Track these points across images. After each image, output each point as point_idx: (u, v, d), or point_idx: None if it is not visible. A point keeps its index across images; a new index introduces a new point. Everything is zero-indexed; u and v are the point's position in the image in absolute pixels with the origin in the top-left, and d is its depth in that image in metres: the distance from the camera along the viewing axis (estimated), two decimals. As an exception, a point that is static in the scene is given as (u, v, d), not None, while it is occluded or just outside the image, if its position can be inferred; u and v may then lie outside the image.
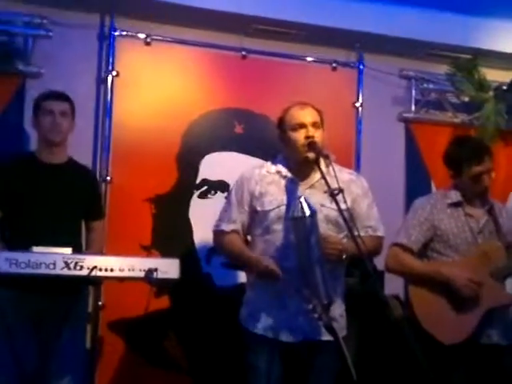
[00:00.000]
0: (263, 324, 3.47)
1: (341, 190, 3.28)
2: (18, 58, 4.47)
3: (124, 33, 4.84)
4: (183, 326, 4.78)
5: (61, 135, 3.98)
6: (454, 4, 5.21)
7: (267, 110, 4.98)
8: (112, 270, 3.39)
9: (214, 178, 4.96)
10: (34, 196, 3.89)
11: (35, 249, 3.35)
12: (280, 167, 3.57)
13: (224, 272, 4.75)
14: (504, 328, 3.91)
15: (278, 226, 3.47)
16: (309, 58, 5.33)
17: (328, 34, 5.17)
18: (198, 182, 4.94)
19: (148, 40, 4.88)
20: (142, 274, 3.42)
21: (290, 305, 3.42)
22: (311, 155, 3.43)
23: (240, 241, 3.60)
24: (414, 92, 5.64)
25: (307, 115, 3.51)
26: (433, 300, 3.82)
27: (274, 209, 3.49)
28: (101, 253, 4.00)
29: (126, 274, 3.41)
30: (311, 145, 3.43)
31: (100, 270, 3.36)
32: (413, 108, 5.64)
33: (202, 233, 4.81)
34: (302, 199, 3.21)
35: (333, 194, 3.26)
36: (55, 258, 3.31)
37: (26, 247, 3.37)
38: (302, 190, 3.48)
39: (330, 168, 3.42)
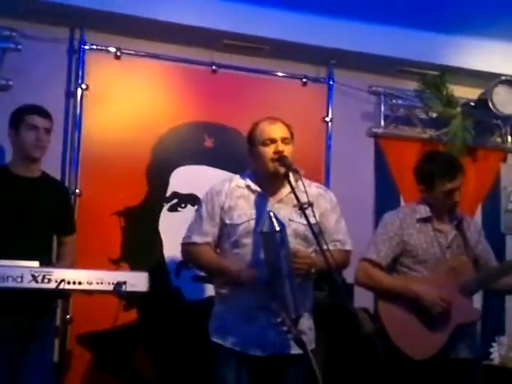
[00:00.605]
0: (232, 338, 3.46)
1: (310, 204, 3.29)
2: (-14, 70, 4.45)
3: (94, 46, 4.84)
4: (152, 339, 4.76)
5: (42, 151, 3.97)
6: (423, 21, 5.26)
7: (237, 124, 5.00)
8: (80, 283, 3.38)
9: (184, 191, 4.96)
10: (7, 208, 3.85)
11: (1, 262, 3.32)
12: (249, 181, 3.57)
13: (193, 286, 4.75)
14: (471, 343, 3.93)
15: (247, 240, 3.47)
16: (279, 73, 5.36)
17: (298, 49, 5.20)
18: (167, 195, 4.94)
19: (118, 54, 4.88)
20: (110, 287, 3.41)
21: (259, 319, 3.41)
22: (281, 170, 3.44)
23: (211, 252, 3.59)
24: (383, 108, 5.69)
25: (277, 130, 3.52)
26: (402, 315, 3.82)
27: (243, 223, 3.49)
28: (72, 267, 3.94)
29: (94, 287, 3.40)
30: (281, 159, 3.44)
31: (68, 283, 3.35)
32: (382, 123, 5.69)
33: (171, 246, 4.79)
34: (272, 214, 3.23)
35: (302, 208, 3.27)
36: (22, 271, 3.29)
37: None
38: (271, 204, 3.49)
39: (300, 182, 3.43)
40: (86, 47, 4.82)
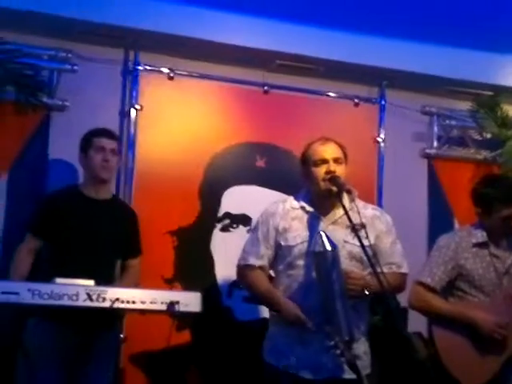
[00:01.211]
0: (285, 359, 3.43)
1: (363, 226, 3.27)
2: (43, 90, 4.50)
3: (148, 67, 4.90)
4: (204, 359, 4.76)
5: (110, 173, 4.06)
6: (476, 41, 5.21)
7: (289, 145, 5.01)
8: (134, 303, 3.40)
9: (236, 211, 4.97)
10: (79, 229, 3.93)
11: (58, 280, 3.38)
12: (303, 203, 3.55)
13: (244, 306, 4.74)
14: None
15: (302, 262, 3.45)
16: (331, 94, 5.35)
17: (350, 69, 5.19)
18: (220, 215, 4.95)
19: (171, 74, 4.93)
20: (164, 307, 3.43)
21: (313, 342, 3.37)
22: (333, 189, 3.42)
23: (266, 279, 3.57)
24: (436, 128, 5.64)
25: (329, 150, 3.51)
26: (457, 341, 3.77)
27: (297, 244, 3.47)
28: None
29: (148, 306, 3.43)
30: (333, 179, 3.42)
31: (122, 302, 3.38)
32: (435, 144, 5.63)
33: (223, 266, 4.81)
34: (323, 233, 3.22)
35: (355, 230, 3.25)
36: (78, 290, 3.33)
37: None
38: (325, 225, 3.47)
39: (353, 203, 3.41)
40: (140, 68, 4.87)
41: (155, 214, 4.71)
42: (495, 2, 4.73)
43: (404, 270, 3.60)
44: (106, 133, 4.09)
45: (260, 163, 5.10)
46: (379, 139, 5.39)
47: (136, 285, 4.03)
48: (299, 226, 3.51)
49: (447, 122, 5.64)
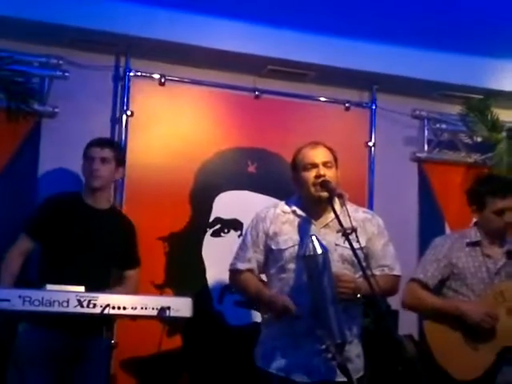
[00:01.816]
0: (277, 363, 3.43)
1: (353, 230, 3.27)
2: (34, 97, 4.50)
3: (139, 73, 4.91)
4: (196, 364, 4.76)
5: (99, 181, 4.04)
6: (466, 45, 5.24)
7: (280, 150, 5.03)
8: (125, 308, 3.40)
9: (227, 216, 4.98)
10: (75, 236, 3.94)
11: (49, 287, 3.38)
12: (294, 207, 3.55)
13: (236, 311, 4.75)
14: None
15: (293, 266, 3.45)
16: (322, 98, 5.38)
17: (341, 74, 5.21)
18: (211, 220, 4.96)
19: (162, 80, 4.94)
20: (154, 313, 3.43)
21: (305, 345, 3.37)
22: (324, 194, 3.43)
23: (255, 279, 3.58)
24: (426, 132, 5.67)
25: (318, 155, 3.51)
26: (448, 335, 3.79)
27: (288, 248, 3.47)
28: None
29: (138, 312, 3.42)
30: (324, 184, 3.42)
31: (113, 308, 3.37)
32: (426, 148, 5.66)
33: (214, 271, 4.83)
34: (314, 238, 3.22)
35: (345, 234, 3.25)
36: (68, 296, 3.32)
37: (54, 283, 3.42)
38: (317, 229, 3.46)
39: (344, 207, 3.42)
40: (131, 74, 4.89)
41: (146, 219, 4.70)
42: (485, 6, 4.74)
43: (396, 272, 3.59)
44: (97, 142, 4.09)
45: (251, 168, 5.11)
46: (370, 143, 5.42)
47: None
48: (290, 229, 3.51)
49: (438, 125, 5.67)
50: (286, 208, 3.58)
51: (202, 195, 4.96)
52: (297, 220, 3.53)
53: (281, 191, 4.50)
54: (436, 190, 5.59)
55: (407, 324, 4.42)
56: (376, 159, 5.41)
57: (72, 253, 3.90)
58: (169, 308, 3.43)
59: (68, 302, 3.31)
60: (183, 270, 4.82)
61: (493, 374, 3.75)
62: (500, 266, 3.90)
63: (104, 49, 4.86)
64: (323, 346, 3.11)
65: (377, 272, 3.35)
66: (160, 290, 4.73)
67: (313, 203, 3.51)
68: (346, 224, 3.28)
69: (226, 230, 4.96)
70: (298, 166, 3.54)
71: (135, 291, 4.09)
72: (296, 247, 3.45)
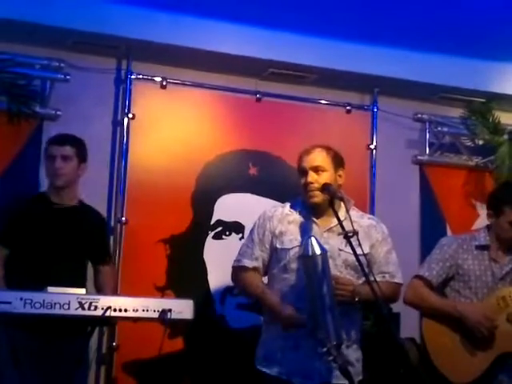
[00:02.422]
0: (277, 366, 3.43)
1: (355, 233, 3.26)
2: (35, 100, 4.52)
3: (140, 76, 4.91)
4: (197, 367, 4.76)
5: (62, 179, 3.99)
6: (468, 48, 5.24)
7: (281, 152, 5.03)
8: (126, 311, 3.39)
9: (228, 219, 4.98)
10: (42, 236, 3.92)
11: (50, 289, 3.37)
12: (300, 209, 3.56)
13: (238, 313, 4.75)
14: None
15: (296, 266, 3.44)
16: (323, 101, 5.37)
17: (342, 77, 5.21)
18: (212, 222, 4.96)
19: (164, 83, 4.93)
20: (156, 315, 3.42)
21: (305, 347, 3.37)
22: (316, 200, 3.44)
23: (260, 280, 3.58)
24: (428, 135, 5.66)
25: (310, 160, 3.50)
26: (446, 337, 3.80)
27: (293, 247, 3.47)
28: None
29: (140, 314, 3.42)
30: (325, 187, 3.42)
31: (114, 310, 3.37)
32: (427, 151, 5.65)
33: (216, 274, 4.82)
34: (312, 238, 3.22)
35: (347, 236, 3.25)
36: (70, 299, 3.32)
37: (31, 286, 3.41)
38: (320, 232, 3.46)
39: (350, 212, 3.41)
40: (133, 77, 4.88)
41: (148, 222, 4.73)
42: (486, 9, 4.75)
43: (397, 279, 3.58)
44: (56, 140, 4.04)
45: (253, 171, 5.11)
46: (371, 146, 5.41)
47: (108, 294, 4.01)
48: (295, 229, 3.52)
49: (439, 128, 5.66)
50: (293, 209, 3.59)
51: (204, 198, 4.96)
52: (303, 221, 3.53)
53: (282, 194, 4.52)
54: (437, 193, 5.58)
55: (409, 327, 4.41)
56: (377, 162, 5.40)
57: (40, 253, 3.88)
58: (170, 310, 3.42)
59: (69, 304, 3.30)
60: (185, 273, 4.81)
61: (488, 380, 3.75)
62: (506, 271, 3.90)
63: (105, 52, 4.86)
64: (324, 349, 3.11)
65: (378, 278, 3.34)
66: (161, 292, 4.72)
67: (314, 207, 3.51)
68: (349, 228, 3.28)
69: (227, 233, 4.96)
70: (298, 171, 3.56)
71: (111, 289, 4.11)
72: (300, 247, 3.45)
